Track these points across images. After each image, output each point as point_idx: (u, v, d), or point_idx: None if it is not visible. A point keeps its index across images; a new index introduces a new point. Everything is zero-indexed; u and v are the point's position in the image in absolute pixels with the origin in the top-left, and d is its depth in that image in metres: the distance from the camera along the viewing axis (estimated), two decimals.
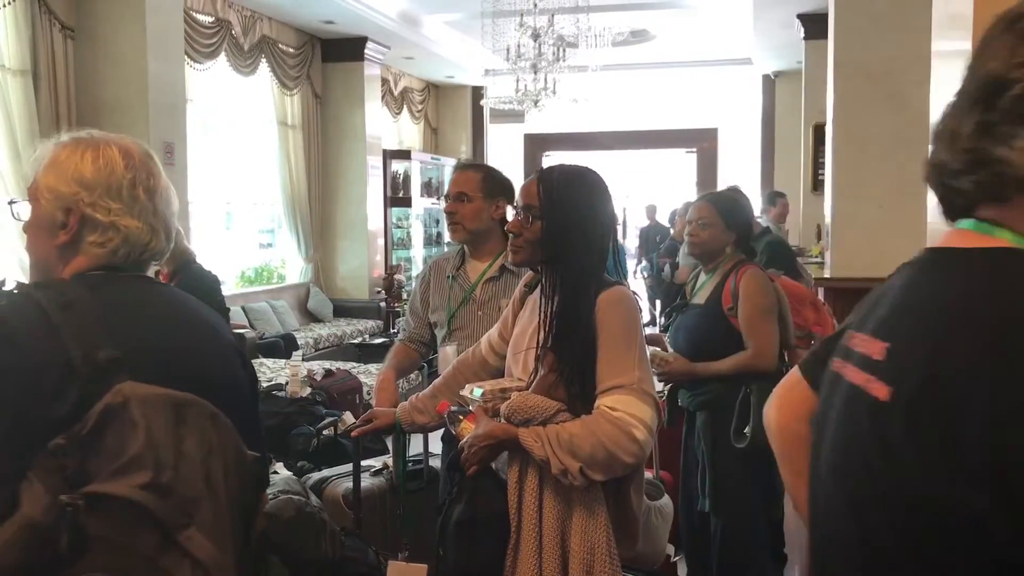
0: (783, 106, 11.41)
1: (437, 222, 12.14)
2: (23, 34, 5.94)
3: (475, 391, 2.11)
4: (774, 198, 7.53)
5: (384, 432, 2.53)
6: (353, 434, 2.50)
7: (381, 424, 2.47)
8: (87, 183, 1.44)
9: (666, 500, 2.33)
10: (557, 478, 1.93)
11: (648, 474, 2.43)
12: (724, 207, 3.21)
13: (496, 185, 2.92)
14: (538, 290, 2.20)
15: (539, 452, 1.92)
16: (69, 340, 1.28)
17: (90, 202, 1.42)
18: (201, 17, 7.61)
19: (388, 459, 3.10)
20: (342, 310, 10.05)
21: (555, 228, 2.06)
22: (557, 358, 2.02)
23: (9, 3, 5.75)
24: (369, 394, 6.16)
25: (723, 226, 3.17)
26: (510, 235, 2.13)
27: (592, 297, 2.01)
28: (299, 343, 8.17)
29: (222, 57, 7.95)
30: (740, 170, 12.73)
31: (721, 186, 13.56)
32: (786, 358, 3.12)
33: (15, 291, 1.34)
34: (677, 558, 3.24)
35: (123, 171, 1.46)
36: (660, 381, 3.23)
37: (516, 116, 11.90)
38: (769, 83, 11.85)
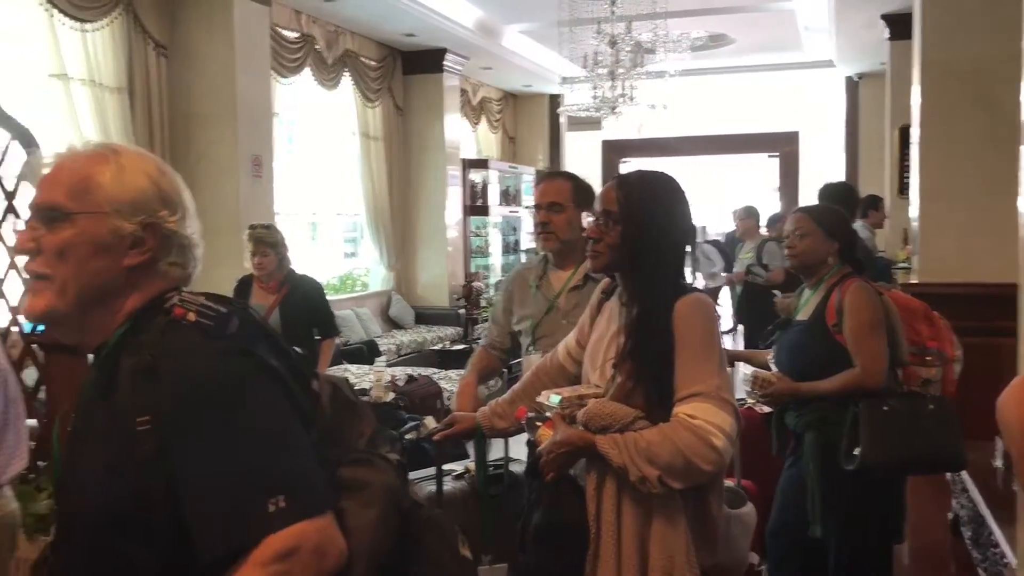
0: (867, 109, 11.15)
1: (514, 230, 12.21)
2: (120, 53, 6.19)
3: (552, 398, 2.12)
4: (877, 202, 7.24)
5: (465, 437, 2.57)
6: (435, 438, 2.54)
7: (462, 429, 2.51)
8: (167, 198, 1.32)
9: (748, 509, 2.30)
10: (635, 485, 1.93)
11: (730, 483, 2.42)
12: (821, 216, 3.09)
13: (585, 194, 2.92)
14: (615, 296, 2.22)
15: (617, 459, 1.93)
16: (286, 345, 1.34)
17: (174, 219, 1.32)
18: (287, 33, 7.83)
19: (469, 463, 3.14)
20: (423, 317, 10.19)
21: (634, 233, 2.07)
22: (635, 365, 2.02)
23: (107, 24, 6.00)
24: (449, 399, 6.24)
25: (822, 235, 3.03)
26: (590, 241, 2.14)
27: (670, 304, 2.01)
28: (381, 349, 8.31)
29: (307, 71, 8.15)
30: (823, 174, 12.48)
31: (803, 191, 13.26)
32: (899, 376, 2.96)
33: (224, 312, 1.28)
34: (761, 567, 3.18)
35: (183, 187, 1.36)
36: (764, 403, 3.15)
37: (593, 123, 11.89)
38: (852, 85, 11.60)
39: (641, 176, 2.19)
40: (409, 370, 6.96)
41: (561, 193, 2.90)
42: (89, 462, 1.23)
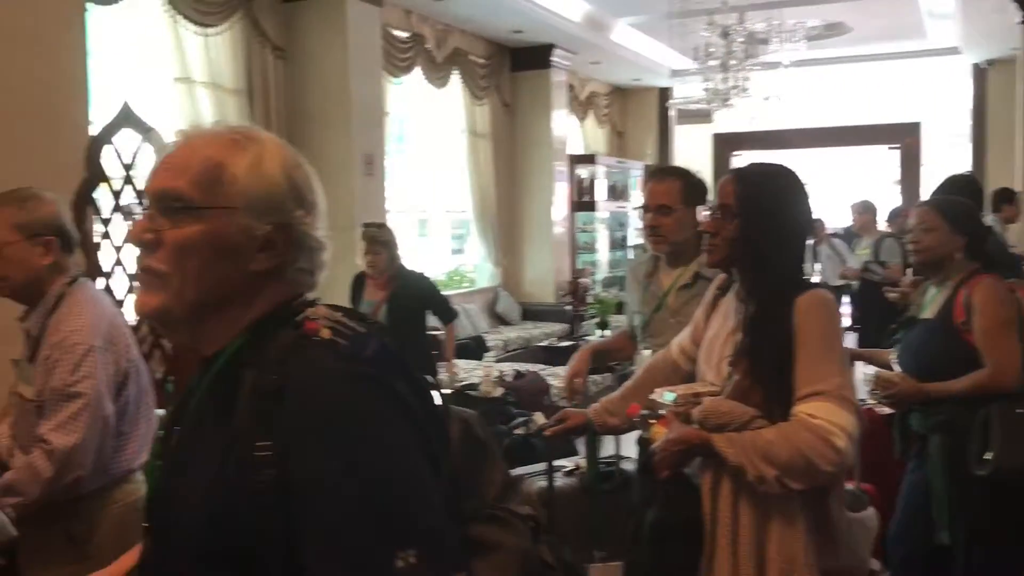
0: (996, 97, 10.63)
1: (622, 225, 12.13)
2: (239, 56, 6.41)
3: (666, 395, 2.10)
4: (1011, 196, 6.89)
5: (576, 433, 2.56)
6: (546, 433, 2.54)
7: (573, 424, 2.49)
8: (302, 196, 1.14)
9: (870, 512, 2.23)
10: (752, 485, 1.89)
11: (848, 485, 2.34)
12: (947, 209, 2.94)
13: (696, 191, 2.86)
14: (731, 293, 2.18)
15: (733, 458, 1.89)
16: (422, 377, 1.16)
17: (308, 220, 1.14)
18: (398, 33, 7.96)
19: (580, 460, 3.13)
20: (529, 313, 10.22)
21: (752, 227, 2.03)
22: (753, 363, 1.98)
23: (227, 29, 6.22)
24: (556, 395, 6.24)
25: (948, 229, 2.87)
26: (706, 235, 2.11)
27: (789, 300, 1.96)
28: (488, 345, 8.38)
29: (417, 70, 8.27)
30: (946, 167, 11.96)
31: (925, 184, 12.74)
32: None
33: (362, 332, 1.09)
34: (883, 575, 3.07)
35: (317, 183, 1.18)
36: (887, 404, 3.04)
37: (704, 117, 11.70)
38: (979, 73, 11.08)
39: (760, 169, 2.15)
40: (516, 366, 6.99)
41: (670, 194, 2.83)
42: (195, 484, 1.07)
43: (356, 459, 1.00)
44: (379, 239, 4.80)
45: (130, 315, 3.64)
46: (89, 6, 4.31)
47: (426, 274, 5.27)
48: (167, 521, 1.12)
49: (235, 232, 1.09)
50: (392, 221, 6.56)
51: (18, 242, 2.23)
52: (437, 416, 1.13)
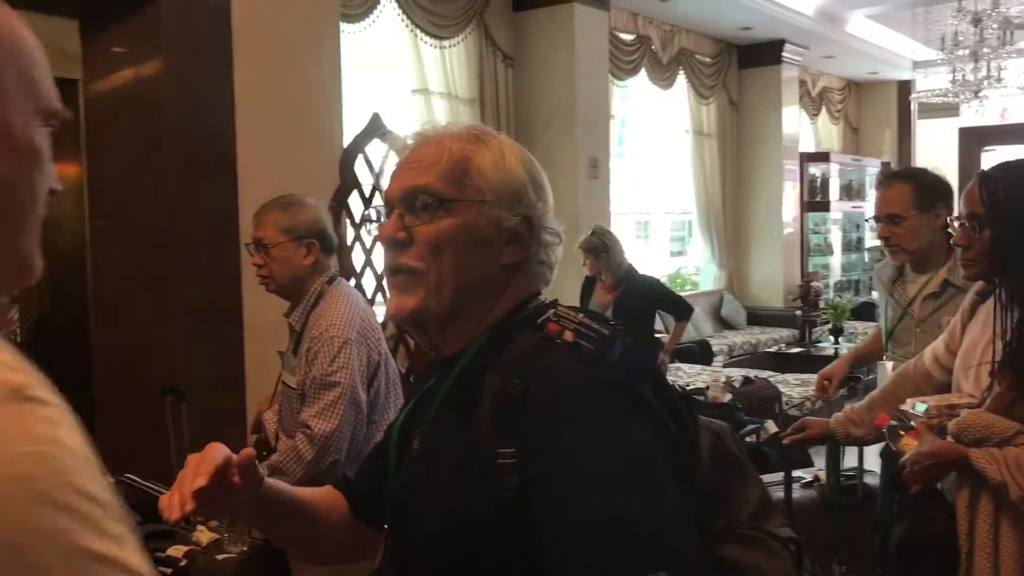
0: None
1: (857, 227, 11.53)
2: (472, 67, 6.67)
3: (917, 406, 2.00)
4: None
5: (816, 443, 2.48)
6: (784, 442, 2.48)
7: (813, 434, 2.42)
8: (540, 188, 1.15)
9: None
10: (1016, 505, 1.77)
11: None
12: None
13: (931, 192, 2.68)
14: (991, 299, 2.03)
15: (995, 475, 1.77)
16: (669, 384, 1.11)
17: (546, 212, 1.15)
18: (624, 36, 7.99)
19: (818, 471, 3.03)
20: (756, 318, 9.92)
21: (1008, 235, 1.88)
22: (1017, 374, 1.85)
23: (461, 40, 6.49)
24: (787, 403, 6.03)
25: None
26: (958, 249, 1.98)
27: None
28: (713, 350, 8.22)
29: (642, 72, 8.27)
30: None
31: None
32: None
33: (607, 335, 1.06)
34: None
35: (546, 178, 1.19)
36: None
37: (948, 110, 10.92)
38: None
39: (1007, 168, 1.99)
40: (744, 371, 6.82)
41: (899, 202, 2.67)
42: (437, 487, 1.08)
43: (601, 470, 0.95)
44: (589, 247, 4.84)
45: (379, 312, 3.91)
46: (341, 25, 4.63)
47: (655, 276, 5.28)
48: (406, 521, 1.13)
49: (486, 225, 1.10)
50: (612, 223, 6.58)
51: (284, 243, 2.46)
52: (685, 425, 1.06)
